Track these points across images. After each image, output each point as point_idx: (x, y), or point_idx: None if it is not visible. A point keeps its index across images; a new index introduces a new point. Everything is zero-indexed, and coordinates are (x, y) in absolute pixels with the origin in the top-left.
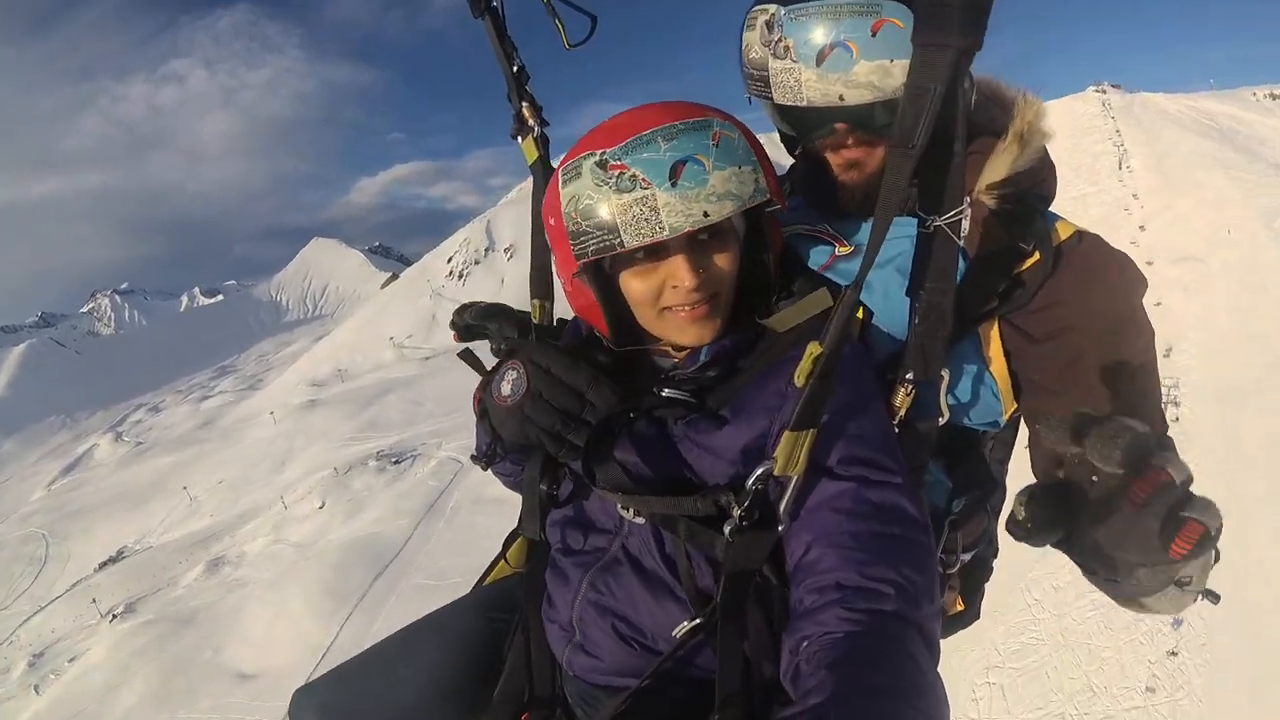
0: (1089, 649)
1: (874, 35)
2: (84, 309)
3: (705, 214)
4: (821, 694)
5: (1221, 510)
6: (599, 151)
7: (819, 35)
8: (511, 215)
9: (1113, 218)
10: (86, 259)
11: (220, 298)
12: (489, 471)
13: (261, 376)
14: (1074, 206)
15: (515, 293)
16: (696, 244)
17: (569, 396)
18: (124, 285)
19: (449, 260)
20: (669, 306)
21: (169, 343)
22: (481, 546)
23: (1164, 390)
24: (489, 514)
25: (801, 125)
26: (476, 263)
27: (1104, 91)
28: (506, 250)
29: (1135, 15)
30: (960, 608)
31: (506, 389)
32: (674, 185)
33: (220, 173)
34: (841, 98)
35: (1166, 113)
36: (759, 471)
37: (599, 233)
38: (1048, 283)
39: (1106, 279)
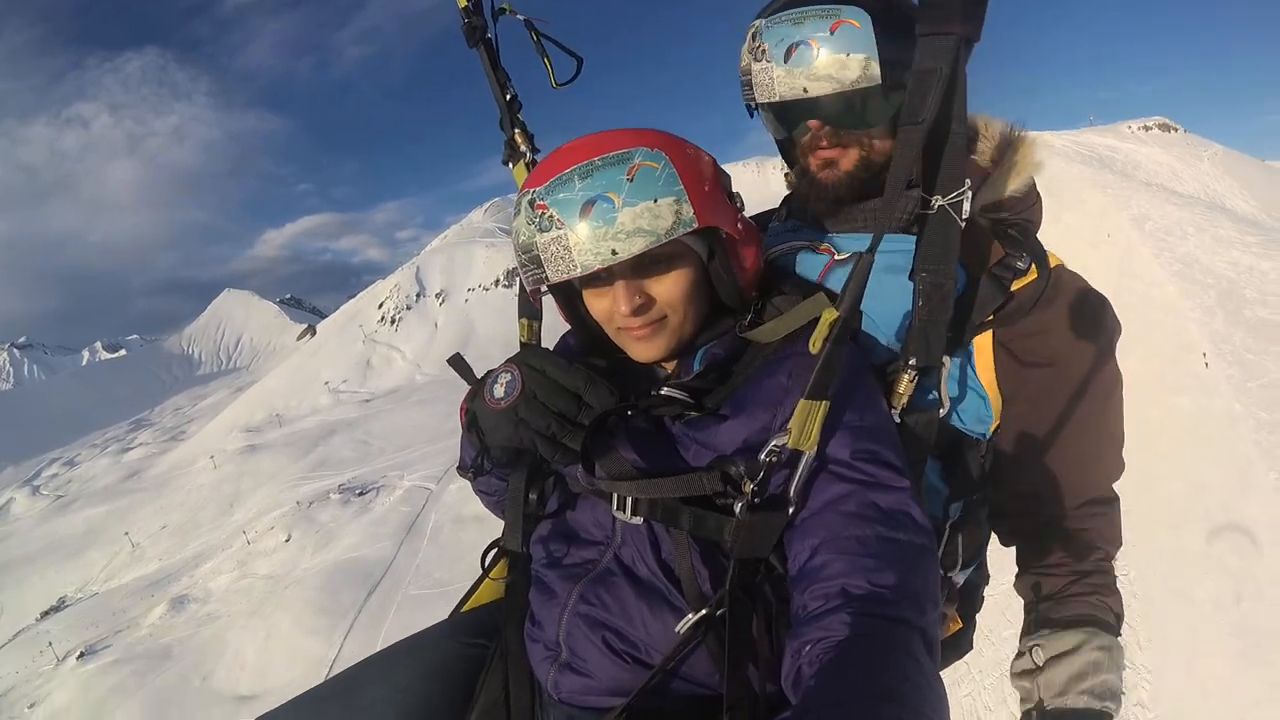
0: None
1: (832, 33)
2: None
3: (614, 252)
4: (823, 698)
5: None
6: (531, 190)
7: (787, 36)
8: (440, 262)
9: None
10: None
11: (123, 352)
12: (474, 489)
13: (182, 428)
14: None
15: (449, 337)
16: (640, 270)
17: (565, 398)
18: (22, 339)
19: (380, 305)
20: (620, 327)
21: (74, 397)
22: (471, 558)
23: None
24: (470, 530)
25: (784, 126)
26: (409, 308)
27: None
28: (438, 295)
29: (1027, 61)
30: (958, 626)
31: (499, 391)
32: (582, 224)
33: (122, 223)
34: (805, 89)
35: (1052, 147)
36: (773, 444)
37: (532, 267)
38: (1041, 308)
39: (1095, 317)
